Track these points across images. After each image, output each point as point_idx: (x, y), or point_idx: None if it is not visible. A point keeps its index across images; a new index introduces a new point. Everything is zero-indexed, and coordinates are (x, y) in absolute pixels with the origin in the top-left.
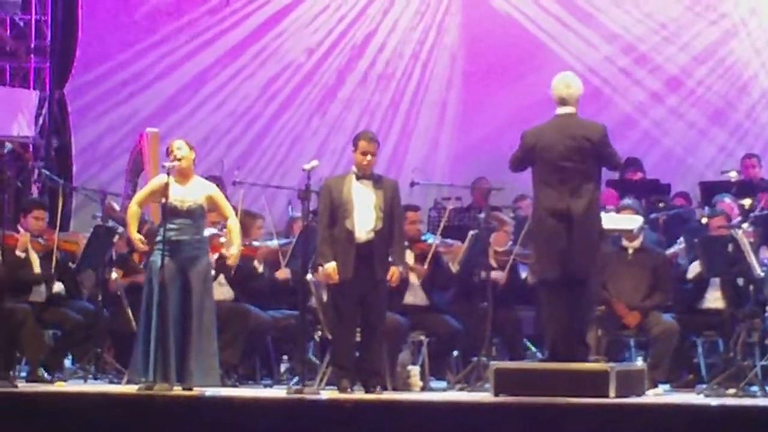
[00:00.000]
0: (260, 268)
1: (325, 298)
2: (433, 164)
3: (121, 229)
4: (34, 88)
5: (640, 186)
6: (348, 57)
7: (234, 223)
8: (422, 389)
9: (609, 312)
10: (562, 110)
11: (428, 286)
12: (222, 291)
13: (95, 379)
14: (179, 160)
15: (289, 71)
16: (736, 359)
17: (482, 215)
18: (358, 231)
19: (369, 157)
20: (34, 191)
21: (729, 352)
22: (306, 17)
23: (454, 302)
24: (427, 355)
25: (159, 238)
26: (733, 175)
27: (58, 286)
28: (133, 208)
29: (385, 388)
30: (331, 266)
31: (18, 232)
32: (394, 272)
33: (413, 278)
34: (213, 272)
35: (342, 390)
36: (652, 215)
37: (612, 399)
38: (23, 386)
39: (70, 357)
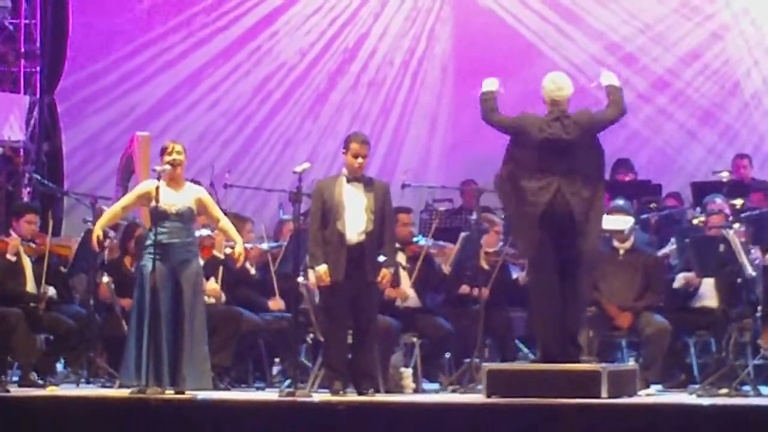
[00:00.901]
0: (252, 270)
1: (317, 300)
2: (425, 168)
3: (112, 234)
4: (25, 93)
5: (631, 187)
6: (340, 60)
7: (227, 223)
8: (415, 391)
9: (600, 313)
10: (552, 110)
11: (420, 288)
12: (214, 294)
13: (87, 383)
14: (175, 165)
15: (282, 72)
16: (728, 359)
17: (473, 217)
18: (350, 233)
19: (360, 159)
20: (25, 196)
21: (721, 351)
22: (299, 18)
23: (446, 304)
24: (420, 357)
25: (149, 241)
26: (724, 176)
27: (49, 291)
28: (115, 209)
29: (377, 390)
30: (322, 268)
31: (9, 236)
32: (385, 274)
33: (405, 281)
34: (242, 254)
35: (334, 392)
36: (644, 216)
37: (604, 399)
38: (15, 391)
39: (62, 361)
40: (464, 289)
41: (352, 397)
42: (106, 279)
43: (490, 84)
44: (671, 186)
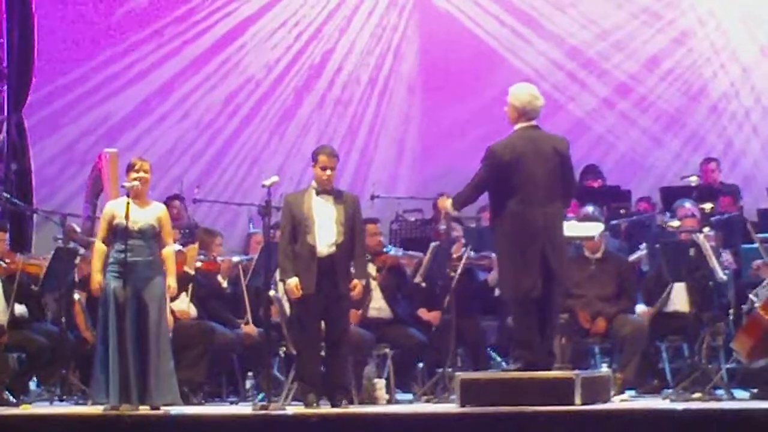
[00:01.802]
0: (224, 284)
1: (288, 313)
2: (395, 181)
3: (82, 251)
4: None
5: (600, 193)
6: (306, 76)
7: (171, 252)
8: (388, 402)
9: (573, 320)
10: (525, 123)
11: (392, 299)
12: (183, 308)
13: (61, 401)
14: (142, 182)
15: (249, 86)
16: (701, 363)
17: (443, 226)
18: (320, 246)
19: (329, 172)
20: None
21: (694, 356)
22: (265, 32)
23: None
24: (392, 368)
25: (111, 259)
26: (693, 180)
27: (21, 309)
28: (99, 247)
29: (351, 402)
30: (293, 281)
31: None
32: (356, 285)
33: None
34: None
35: (308, 405)
36: (614, 222)
37: (578, 406)
38: None
39: (35, 379)
40: (422, 312)
41: (325, 409)
42: (77, 296)
43: (449, 202)
44: (637, 190)
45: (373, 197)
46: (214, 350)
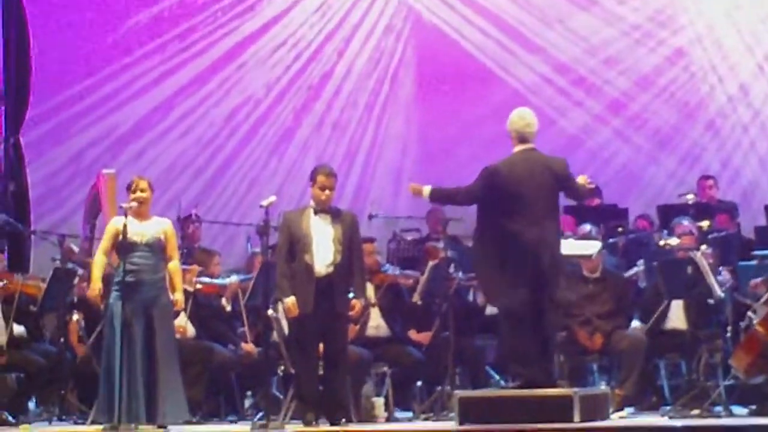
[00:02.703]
0: (228, 307)
1: (286, 332)
2: (393, 203)
3: (81, 271)
4: None
5: (598, 211)
6: (304, 98)
7: (177, 266)
8: (387, 420)
9: (571, 337)
10: (522, 146)
11: (390, 318)
12: (184, 328)
13: (60, 420)
14: (141, 202)
15: (249, 106)
16: (699, 380)
17: (441, 245)
18: (318, 265)
19: (327, 192)
20: None
21: (692, 373)
22: (265, 51)
23: (416, 333)
24: (391, 386)
25: (118, 278)
26: (690, 198)
27: (19, 329)
28: (99, 258)
29: (350, 420)
30: (290, 300)
31: None
32: (356, 304)
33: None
34: (182, 304)
35: (307, 424)
36: (611, 240)
37: (577, 423)
38: None
39: (33, 399)
40: (412, 333)
41: (324, 428)
42: (76, 317)
43: (426, 190)
44: (633, 207)
45: (370, 217)
46: (213, 369)
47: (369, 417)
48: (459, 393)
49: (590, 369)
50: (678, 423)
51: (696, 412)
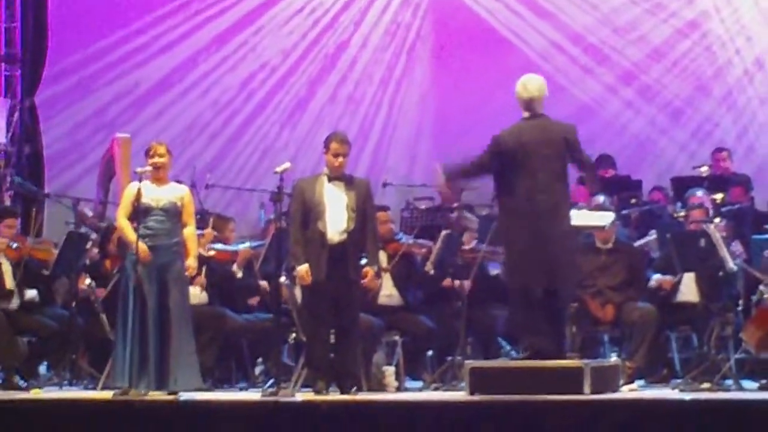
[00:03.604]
0: (239, 273)
1: (299, 300)
2: (408, 171)
3: (94, 235)
4: (5, 96)
5: (611, 183)
6: (320, 67)
7: (192, 232)
8: (397, 389)
9: (582, 309)
10: (529, 113)
11: (402, 287)
12: (196, 294)
13: (70, 385)
14: (159, 167)
15: (265, 72)
16: (710, 353)
17: (454, 214)
18: (331, 232)
19: (341, 159)
20: (6, 199)
21: (703, 346)
22: (282, 16)
23: (428, 302)
24: (402, 355)
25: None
26: (704, 170)
27: (31, 294)
28: (124, 222)
29: (360, 389)
30: (303, 268)
31: None
32: (368, 272)
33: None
34: (194, 269)
35: (317, 392)
36: (624, 211)
37: (587, 395)
38: None
39: (45, 364)
40: (447, 282)
41: (335, 396)
42: (88, 281)
43: (443, 168)
44: (646, 179)
45: (384, 185)
46: (224, 335)
47: (379, 386)
48: (470, 363)
49: (601, 340)
50: (688, 396)
51: (706, 385)
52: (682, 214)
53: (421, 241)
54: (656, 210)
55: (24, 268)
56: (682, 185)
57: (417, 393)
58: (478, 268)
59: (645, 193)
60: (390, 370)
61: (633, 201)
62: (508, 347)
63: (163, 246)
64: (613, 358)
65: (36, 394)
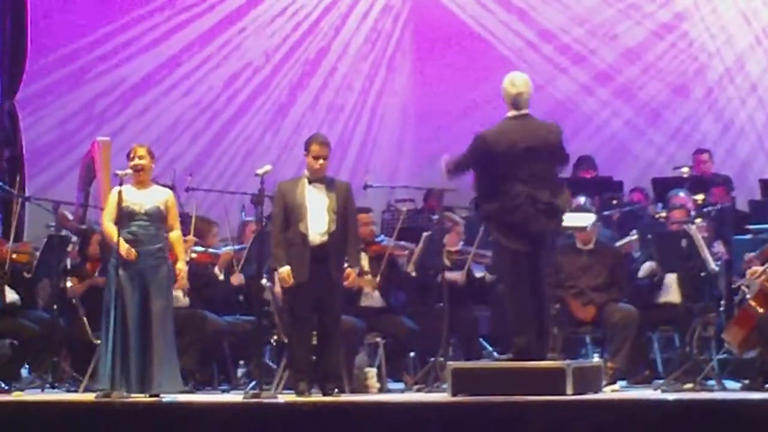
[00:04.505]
0: (221, 276)
1: (280, 302)
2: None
3: (74, 238)
4: None
5: (593, 184)
6: (301, 72)
7: (179, 236)
8: (380, 391)
9: (564, 309)
10: (515, 112)
11: (384, 288)
12: (177, 297)
13: (52, 387)
14: (140, 170)
15: (248, 72)
16: (692, 354)
17: (435, 216)
18: (312, 234)
19: (321, 161)
20: None
21: (685, 347)
22: (265, 17)
23: (410, 303)
24: (384, 357)
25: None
26: (685, 171)
27: (12, 296)
28: (109, 226)
29: (342, 391)
30: (285, 270)
31: None
32: (350, 273)
33: (367, 288)
34: (185, 273)
35: (299, 393)
36: (606, 212)
37: (569, 396)
38: None
39: (26, 366)
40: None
41: (317, 397)
42: (69, 284)
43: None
44: (626, 179)
45: (365, 187)
46: (206, 338)
47: (362, 387)
48: (452, 364)
49: (583, 341)
50: (670, 396)
51: (689, 386)
52: (663, 214)
53: (402, 243)
54: (637, 211)
55: (4, 272)
56: (664, 186)
57: (399, 394)
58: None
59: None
60: (372, 372)
61: (614, 202)
62: (490, 348)
63: (146, 251)
64: (596, 359)
65: (18, 396)
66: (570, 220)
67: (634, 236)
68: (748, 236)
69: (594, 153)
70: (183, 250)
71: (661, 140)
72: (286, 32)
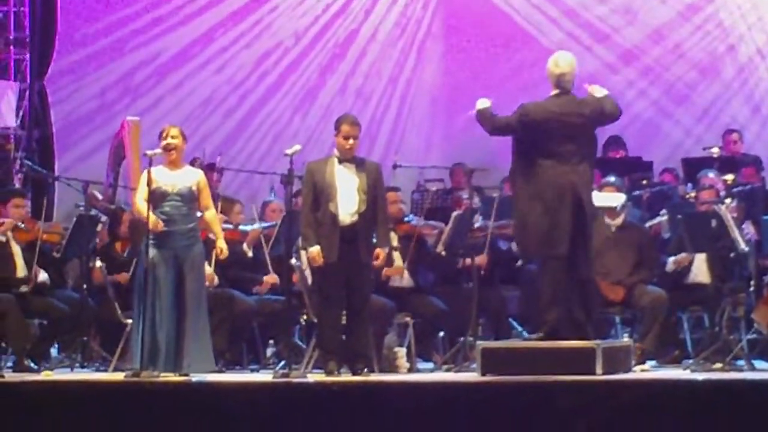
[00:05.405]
0: (249, 253)
1: (309, 281)
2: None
3: (104, 218)
4: (15, 80)
5: (622, 164)
6: (330, 54)
7: (213, 215)
8: (409, 371)
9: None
10: (557, 90)
11: (413, 268)
12: (209, 271)
13: (82, 367)
14: (171, 149)
15: (278, 52)
16: (721, 334)
17: (466, 196)
18: (342, 214)
19: (351, 141)
20: (17, 182)
21: (714, 327)
22: None
23: (439, 283)
24: (413, 337)
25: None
26: (714, 151)
27: (42, 276)
28: (142, 205)
29: (372, 371)
30: (315, 249)
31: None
32: (379, 254)
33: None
34: (226, 251)
35: (329, 373)
36: (636, 192)
37: (599, 376)
38: (10, 376)
39: (56, 346)
40: (462, 262)
41: (346, 377)
42: (99, 264)
43: (483, 103)
44: (655, 159)
45: (395, 166)
46: (235, 317)
47: (391, 367)
48: (481, 344)
49: (613, 321)
50: (700, 376)
51: (718, 365)
52: (693, 194)
53: (432, 222)
54: (667, 191)
55: (38, 250)
56: (694, 166)
57: (428, 374)
58: (489, 247)
59: (655, 175)
60: (401, 352)
61: (644, 182)
62: (519, 328)
63: (179, 231)
64: (625, 339)
65: (47, 376)
66: (600, 199)
67: (664, 216)
68: None
69: (621, 133)
70: (220, 228)
71: (689, 121)
72: (317, 13)
